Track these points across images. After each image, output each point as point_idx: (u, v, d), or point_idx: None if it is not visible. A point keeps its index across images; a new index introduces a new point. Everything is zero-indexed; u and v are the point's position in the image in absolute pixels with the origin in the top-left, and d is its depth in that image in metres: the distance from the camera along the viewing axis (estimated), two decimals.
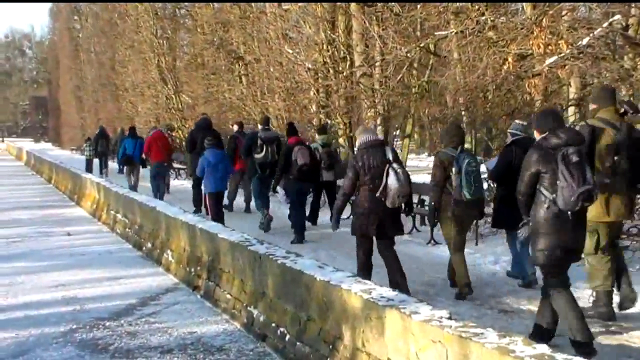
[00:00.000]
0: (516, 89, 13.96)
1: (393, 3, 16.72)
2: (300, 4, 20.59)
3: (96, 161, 30.90)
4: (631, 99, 11.55)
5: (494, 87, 14.40)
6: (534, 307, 7.75)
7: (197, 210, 15.47)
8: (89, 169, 29.06)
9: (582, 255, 6.67)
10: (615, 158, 7.09)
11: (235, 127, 17.44)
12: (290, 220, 13.12)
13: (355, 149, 9.27)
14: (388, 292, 5.43)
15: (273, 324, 6.89)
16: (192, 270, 9.56)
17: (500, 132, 17.96)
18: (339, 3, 19.74)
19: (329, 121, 19.92)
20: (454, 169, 8.23)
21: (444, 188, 8.34)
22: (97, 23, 51.18)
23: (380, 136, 9.47)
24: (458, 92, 16.22)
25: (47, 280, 10.18)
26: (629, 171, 7.20)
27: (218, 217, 12.83)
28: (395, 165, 8.19)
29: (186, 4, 33.29)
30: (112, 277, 10.28)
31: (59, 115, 74.73)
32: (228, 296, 8.16)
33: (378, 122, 19.17)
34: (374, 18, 18.77)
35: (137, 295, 9.16)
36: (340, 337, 5.71)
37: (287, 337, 6.54)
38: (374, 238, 8.47)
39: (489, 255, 10.63)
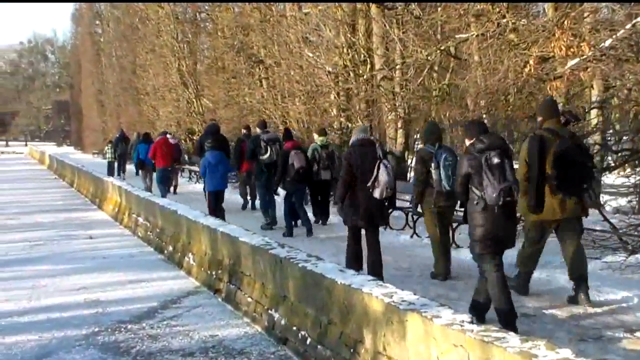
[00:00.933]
0: (538, 91, 13.88)
1: (413, 6, 16.68)
2: (320, 7, 20.58)
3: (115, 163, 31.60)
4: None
5: (515, 90, 14.33)
6: (556, 311, 7.72)
7: (216, 216, 15.23)
8: (110, 172, 29.76)
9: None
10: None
11: (244, 131, 18.31)
12: (285, 220, 13.73)
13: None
14: (409, 296, 5.42)
15: (294, 327, 6.89)
16: (214, 273, 9.58)
17: (521, 135, 17.89)
18: (359, 6, 19.72)
19: (347, 121, 19.99)
20: (433, 164, 9.08)
21: (426, 182, 9.24)
22: (119, 27, 51.45)
23: (373, 137, 10.47)
24: (479, 95, 16.15)
25: (69, 283, 10.25)
26: (588, 170, 8.13)
27: (216, 214, 13.03)
28: (385, 161, 9.01)
29: (207, 7, 33.39)
30: (133, 280, 10.33)
31: (81, 119, 75.11)
32: (249, 299, 8.17)
33: (399, 125, 19.13)
34: (395, 21, 18.73)
35: (158, 298, 9.20)
36: (361, 341, 5.70)
37: (308, 340, 6.54)
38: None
39: (509, 259, 10.54)
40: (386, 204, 9.25)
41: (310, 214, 14.24)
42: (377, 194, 8.89)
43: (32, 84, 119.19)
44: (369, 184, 8.88)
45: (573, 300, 8.04)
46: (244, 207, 17.99)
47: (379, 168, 8.88)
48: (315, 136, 15.00)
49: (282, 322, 7.18)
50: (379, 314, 5.43)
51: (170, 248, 12.07)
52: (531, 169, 7.97)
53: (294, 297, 7.09)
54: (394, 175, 9.01)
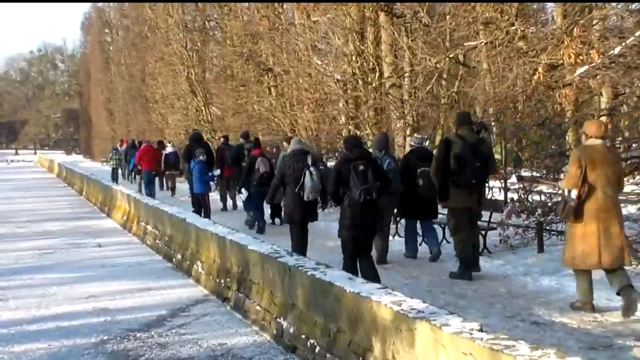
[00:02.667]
0: (547, 99, 13.86)
1: (422, 14, 16.68)
2: (329, 15, 20.61)
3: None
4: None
5: (524, 97, 14.30)
6: (566, 319, 7.69)
7: (197, 212, 16.91)
8: (114, 178, 31.40)
9: None
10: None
11: (222, 140, 21.17)
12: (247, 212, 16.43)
13: (286, 155, 12.11)
14: (418, 304, 5.40)
15: (303, 336, 6.87)
16: (222, 281, 9.58)
17: (530, 143, 17.84)
18: (367, 14, 19.74)
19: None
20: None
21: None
22: (128, 36, 51.67)
23: (306, 147, 12.11)
24: (488, 102, 16.16)
25: (78, 291, 10.27)
26: (478, 171, 9.86)
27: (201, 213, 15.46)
28: (312, 169, 10.64)
29: (216, 16, 33.48)
30: (142, 289, 10.34)
31: (90, 127, 75.40)
32: (258, 307, 8.16)
33: (407, 132, 19.12)
34: (403, 29, 18.75)
35: (167, 306, 9.20)
36: (370, 349, 5.68)
37: (317, 348, 6.53)
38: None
39: (520, 267, 10.53)
40: (319, 204, 11.10)
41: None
42: (305, 196, 10.61)
43: (42, 93, 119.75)
44: (297, 189, 10.63)
45: (454, 276, 9.93)
46: (224, 209, 20.28)
47: (304, 175, 10.58)
48: (285, 144, 15.75)
49: (291, 330, 7.17)
50: (388, 322, 5.41)
51: (179, 256, 12.08)
52: (437, 166, 9.96)
53: (303, 305, 7.08)
54: (319, 180, 10.60)
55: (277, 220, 16.72)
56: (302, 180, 10.59)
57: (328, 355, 6.30)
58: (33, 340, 7.77)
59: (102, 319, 8.67)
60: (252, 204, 15.77)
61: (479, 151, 9.94)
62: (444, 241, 13.00)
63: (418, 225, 11.99)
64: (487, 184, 10.56)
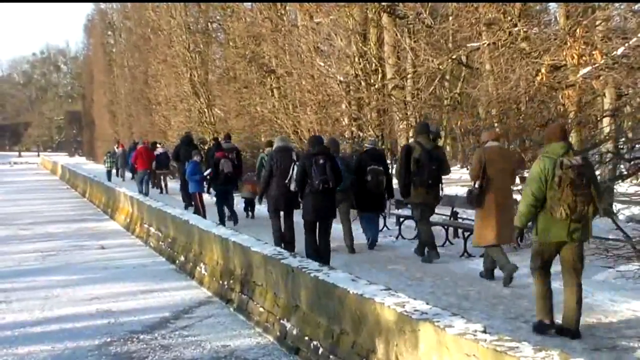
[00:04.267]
0: (549, 100, 13.83)
1: (425, 15, 16.66)
2: (331, 16, 20.61)
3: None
4: None
5: (527, 98, 14.28)
6: None
7: (188, 206, 19.42)
8: (109, 178, 33.85)
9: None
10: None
11: (213, 142, 22.10)
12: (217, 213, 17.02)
13: (272, 151, 13.05)
14: (422, 305, 5.40)
15: (306, 337, 6.87)
16: (225, 283, 9.58)
17: (533, 144, 17.82)
18: (370, 15, 19.74)
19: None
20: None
21: None
22: (131, 38, 51.64)
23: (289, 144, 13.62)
24: (490, 103, 16.10)
25: (82, 293, 10.28)
26: (434, 172, 11.55)
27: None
28: (297, 163, 11.86)
29: (218, 18, 33.46)
30: (145, 291, 10.35)
31: (93, 129, 75.43)
32: (261, 309, 8.17)
33: (410, 134, 19.11)
34: (406, 30, 18.75)
35: (170, 308, 9.21)
36: (373, 351, 5.68)
37: (321, 350, 6.53)
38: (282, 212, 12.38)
39: (523, 268, 10.49)
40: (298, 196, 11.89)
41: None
42: (292, 187, 11.77)
43: (45, 95, 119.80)
44: (286, 180, 11.90)
45: (425, 260, 11.55)
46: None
47: (293, 169, 11.86)
48: (267, 149, 16.98)
49: (294, 332, 7.17)
50: (391, 324, 5.41)
51: (182, 258, 12.08)
52: (400, 168, 11.69)
53: (306, 306, 7.08)
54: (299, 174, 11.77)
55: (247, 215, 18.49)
56: (290, 173, 11.89)
57: (331, 356, 6.30)
58: (37, 342, 7.78)
59: (105, 321, 8.68)
60: (218, 201, 16.96)
61: (434, 155, 11.66)
62: (447, 242, 13.02)
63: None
64: (441, 183, 11.91)
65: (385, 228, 14.87)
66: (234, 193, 17.50)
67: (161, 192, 27.67)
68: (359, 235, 13.25)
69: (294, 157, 12.16)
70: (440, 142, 14.99)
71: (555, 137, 7.35)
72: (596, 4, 12.98)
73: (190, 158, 18.26)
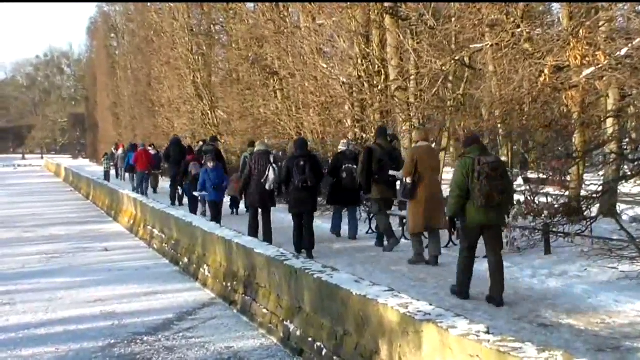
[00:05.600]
0: (553, 101, 13.83)
1: (427, 17, 16.67)
2: (334, 18, 20.61)
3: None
4: None
5: (530, 99, 14.28)
6: (573, 321, 7.67)
7: (172, 204, 21.16)
8: (107, 178, 35.88)
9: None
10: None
11: (201, 143, 23.64)
12: (189, 208, 18.89)
13: (253, 153, 14.53)
14: (425, 306, 5.39)
15: (310, 339, 6.87)
16: (229, 285, 9.58)
17: (537, 145, 17.80)
18: (373, 17, 19.74)
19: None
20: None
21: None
22: (134, 40, 51.71)
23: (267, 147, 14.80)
24: (494, 104, 16.11)
25: (85, 295, 10.29)
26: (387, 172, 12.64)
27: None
28: (274, 165, 13.32)
29: (221, 20, 33.49)
30: (149, 292, 10.35)
31: (97, 131, 75.55)
32: (264, 311, 8.17)
33: (414, 135, 19.10)
34: (409, 32, 18.73)
35: (174, 310, 9.21)
36: (377, 352, 5.68)
37: (324, 351, 6.52)
38: (260, 209, 13.68)
39: (527, 269, 10.51)
40: (276, 193, 13.68)
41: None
42: (267, 186, 13.22)
43: (48, 97, 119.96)
44: (263, 180, 13.19)
45: (387, 249, 12.73)
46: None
47: (269, 170, 13.23)
48: (250, 149, 18.42)
49: (298, 333, 7.17)
50: (394, 325, 5.41)
51: (186, 260, 12.09)
52: (362, 167, 12.80)
53: (310, 308, 7.08)
54: (279, 174, 13.13)
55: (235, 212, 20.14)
56: (266, 173, 13.22)
57: (335, 358, 6.30)
58: (41, 344, 7.79)
59: (109, 322, 8.68)
60: (189, 198, 18.90)
61: (392, 156, 12.92)
62: (451, 243, 13.00)
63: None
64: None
65: None
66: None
67: (155, 192, 28.86)
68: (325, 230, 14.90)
69: (271, 160, 13.50)
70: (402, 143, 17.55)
71: (472, 142, 9.09)
72: (599, 4, 12.96)
73: (180, 159, 19.84)
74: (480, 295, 9.11)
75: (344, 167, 14.08)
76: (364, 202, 15.76)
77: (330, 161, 16.31)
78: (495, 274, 8.78)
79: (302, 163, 12.48)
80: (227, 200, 19.24)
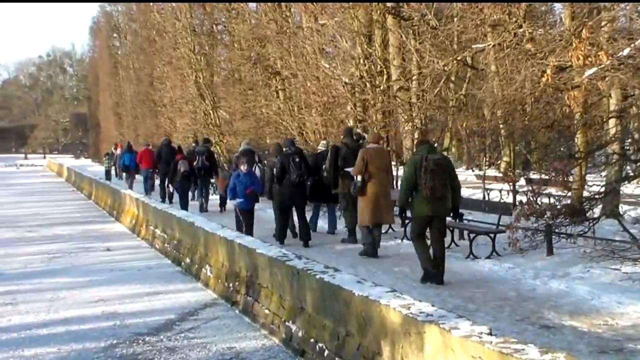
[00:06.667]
0: (555, 101, 13.80)
1: (430, 17, 16.65)
2: (336, 18, 20.59)
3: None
4: None
5: (532, 99, 14.26)
6: (576, 322, 7.66)
7: (162, 201, 21.72)
8: (108, 177, 36.70)
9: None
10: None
11: (193, 144, 25.12)
12: (180, 203, 20.12)
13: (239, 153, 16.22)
14: (427, 307, 5.39)
15: (312, 339, 6.87)
16: (231, 285, 9.58)
17: (539, 145, 17.78)
18: (375, 17, 19.72)
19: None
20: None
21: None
22: (136, 40, 51.69)
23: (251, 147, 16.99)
24: (496, 105, 16.09)
25: (87, 295, 10.30)
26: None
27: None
28: (259, 164, 15.09)
29: (223, 20, 33.48)
30: (151, 293, 10.36)
31: (99, 131, 75.57)
32: (266, 311, 8.16)
33: (416, 136, 19.09)
34: (411, 32, 18.74)
35: (176, 310, 9.22)
36: (379, 353, 5.67)
37: (326, 352, 6.52)
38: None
39: (529, 270, 10.50)
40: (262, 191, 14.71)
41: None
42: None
43: (51, 97, 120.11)
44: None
45: (345, 241, 13.95)
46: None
47: (254, 168, 14.63)
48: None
49: (300, 334, 7.17)
50: (397, 326, 5.40)
51: (188, 260, 12.09)
52: (330, 164, 13.93)
53: (312, 308, 7.07)
54: (263, 172, 14.77)
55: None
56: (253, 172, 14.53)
57: (337, 359, 6.29)
58: (43, 344, 7.80)
59: (111, 323, 8.69)
60: (180, 194, 20.56)
61: (357, 154, 13.14)
62: (453, 244, 12.99)
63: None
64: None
65: (390, 230, 14.84)
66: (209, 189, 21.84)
67: (152, 189, 29.41)
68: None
69: (257, 159, 14.99)
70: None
71: (422, 142, 10.56)
72: (602, 4, 12.94)
73: (171, 160, 21.35)
74: (482, 297, 9.11)
75: (323, 166, 14.81)
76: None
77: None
78: (437, 259, 10.10)
79: (297, 159, 13.64)
80: (215, 197, 22.11)
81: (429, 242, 10.36)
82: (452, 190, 10.17)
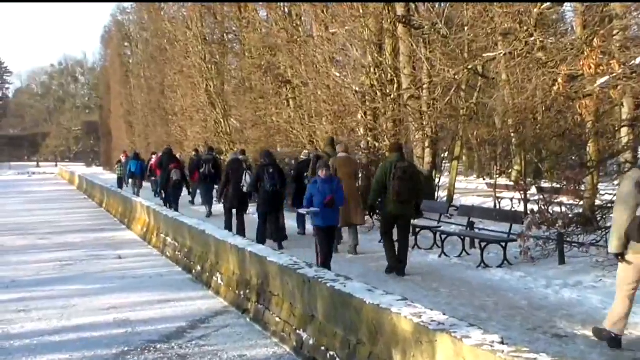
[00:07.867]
0: (566, 110, 13.76)
1: (440, 25, 16.66)
2: (347, 27, 20.63)
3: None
4: None
5: (543, 108, 14.25)
6: (588, 331, 7.62)
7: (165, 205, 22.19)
8: (120, 185, 35.88)
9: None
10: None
11: (194, 153, 27.47)
12: (172, 206, 21.38)
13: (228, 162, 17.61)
14: (439, 316, 5.38)
15: (323, 348, 6.86)
16: (242, 293, 9.59)
17: (550, 154, 17.74)
18: (385, 26, 19.75)
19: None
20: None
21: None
22: (147, 49, 51.93)
23: (241, 156, 18.17)
24: (507, 113, 16.09)
25: (99, 302, 10.32)
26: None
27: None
28: (248, 171, 16.07)
29: (234, 29, 33.57)
30: (162, 300, 10.37)
31: (110, 139, 75.81)
32: (277, 319, 8.16)
33: (426, 144, 19.09)
34: (421, 40, 18.74)
35: (187, 318, 9.22)
36: None
37: None
38: (235, 210, 16.26)
39: (541, 279, 10.47)
40: (250, 197, 16.33)
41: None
42: (244, 190, 15.85)
43: (63, 106, 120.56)
44: (241, 184, 15.81)
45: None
46: (192, 202, 26.71)
47: (244, 175, 15.91)
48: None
49: (311, 342, 7.16)
50: (408, 334, 5.40)
51: (199, 268, 12.11)
52: (312, 171, 14.38)
53: (323, 317, 7.07)
54: (252, 179, 15.37)
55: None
56: (243, 178, 15.87)
57: None
58: (55, 351, 7.82)
59: (122, 330, 8.71)
60: (169, 199, 21.98)
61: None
62: (464, 253, 12.97)
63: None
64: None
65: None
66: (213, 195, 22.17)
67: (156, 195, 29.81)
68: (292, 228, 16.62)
69: (244, 167, 16.28)
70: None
71: (394, 150, 11.91)
72: (614, 13, 12.91)
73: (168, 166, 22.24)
74: (494, 306, 9.08)
75: (305, 174, 15.74)
76: None
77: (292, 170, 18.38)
78: (400, 252, 11.60)
79: (271, 170, 14.75)
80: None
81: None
82: (416, 195, 11.73)
